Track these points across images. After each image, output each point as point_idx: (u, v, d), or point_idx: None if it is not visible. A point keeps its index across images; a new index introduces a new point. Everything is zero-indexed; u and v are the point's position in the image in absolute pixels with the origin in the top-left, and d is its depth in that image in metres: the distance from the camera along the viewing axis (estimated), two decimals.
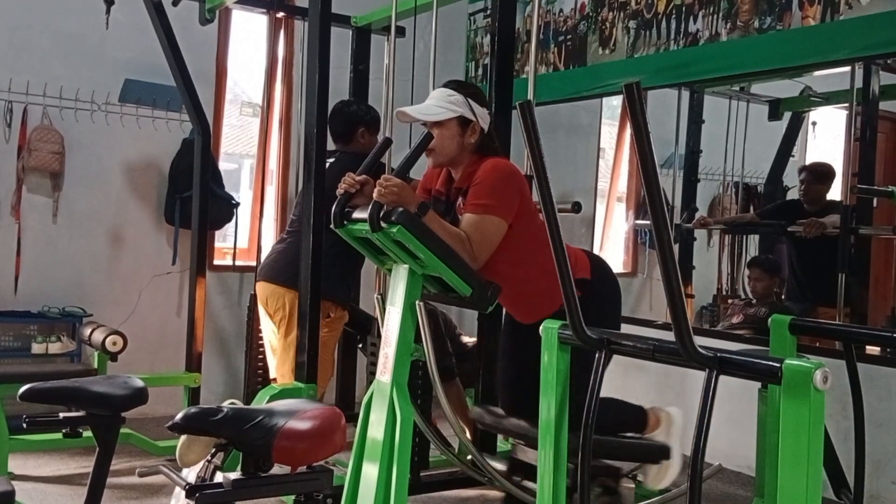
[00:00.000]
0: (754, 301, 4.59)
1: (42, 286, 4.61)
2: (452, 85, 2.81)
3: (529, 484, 2.80)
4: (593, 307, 2.63)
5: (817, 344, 3.64)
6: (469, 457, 3.28)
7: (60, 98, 4.61)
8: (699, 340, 1.73)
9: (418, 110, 2.76)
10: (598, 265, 2.93)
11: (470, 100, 2.76)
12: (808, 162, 4.79)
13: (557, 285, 2.02)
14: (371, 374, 3.38)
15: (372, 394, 2.58)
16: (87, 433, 2.25)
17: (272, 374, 3.83)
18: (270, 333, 3.74)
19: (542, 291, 2.70)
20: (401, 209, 2.41)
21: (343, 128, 3.78)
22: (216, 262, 5.14)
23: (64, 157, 4.60)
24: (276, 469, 2.00)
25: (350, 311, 3.95)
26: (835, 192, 4.22)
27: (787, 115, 4.84)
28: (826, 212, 4.17)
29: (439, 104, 2.74)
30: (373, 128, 3.82)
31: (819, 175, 4.40)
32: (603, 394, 1.99)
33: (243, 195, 5.37)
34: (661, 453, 2.89)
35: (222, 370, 5.09)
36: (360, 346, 4.07)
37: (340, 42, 4.22)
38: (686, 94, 4.89)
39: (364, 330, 3.90)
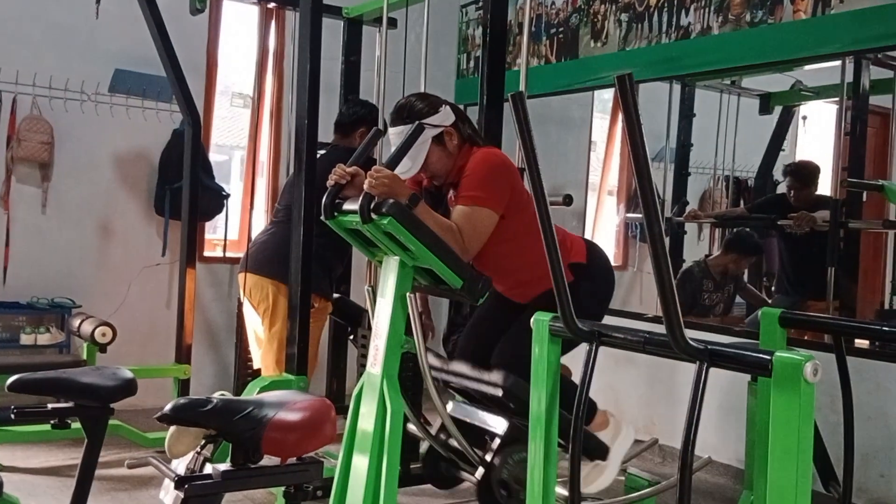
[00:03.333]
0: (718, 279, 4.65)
1: (31, 277, 4.59)
2: (399, 120, 2.76)
3: (452, 443, 2.81)
4: (585, 290, 2.64)
5: (806, 337, 3.65)
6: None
7: (50, 88, 4.58)
8: (689, 333, 1.73)
9: (402, 171, 2.67)
10: (595, 252, 2.97)
11: (423, 120, 2.71)
12: (796, 157, 4.79)
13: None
14: (361, 367, 3.38)
15: (362, 386, 2.57)
16: (76, 424, 2.24)
17: (256, 365, 3.83)
18: (255, 324, 3.74)
19: (537, 277, 2.71)
20: (391, 201, 2.41)
21: (348, 121, 3.83)
22: (206, 253, 5.12)
23: (53, 148, 4.58)
24: (266, 460, 1.99)
25: (340, 303, 3.94)
26: (824, 187, 4.24)
27: (778, 110, 4.85)
28: (816, 207, 4.19)
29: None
30: (371, 128, 3.84)
31: (804, 178, 4.42)
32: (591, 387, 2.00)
33: (234, 187, 5.35)
34: (598, 450, 2.85)
35: (212, 362, 5.08)
36: (351, 337, 4.06)
37: (332, 33, 4.20)
38: (677, 88, 4.89)
39: (355, 322, 3.90)
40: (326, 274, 3.70)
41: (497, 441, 2.71)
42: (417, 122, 2.67)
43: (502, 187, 2.71)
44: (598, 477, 2.82)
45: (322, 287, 3.63)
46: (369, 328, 2.74)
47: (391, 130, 2.79)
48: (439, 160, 2.77)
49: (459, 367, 2.88)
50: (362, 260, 3.67)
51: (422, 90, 3.49)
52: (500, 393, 2.68)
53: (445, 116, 2.77)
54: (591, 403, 2.91)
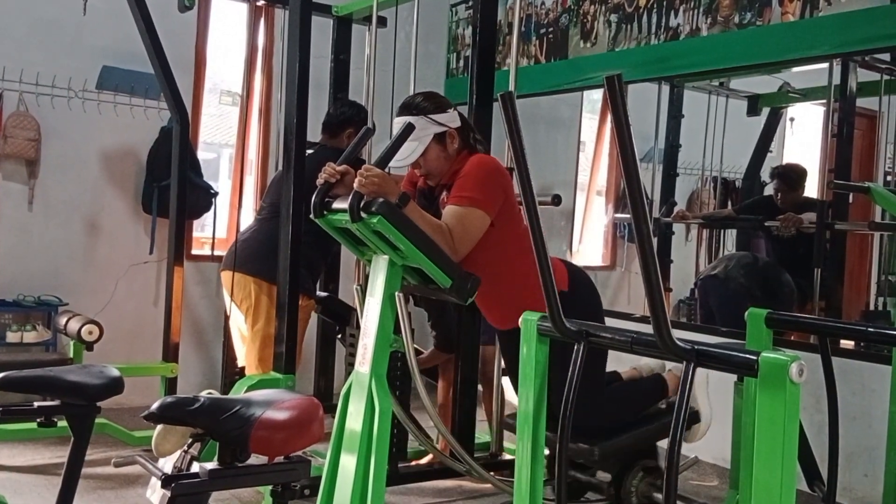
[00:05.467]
0: None
1: (17, 274, 4.56)
2: (405, 111, 2.77)
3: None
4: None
5: (792, 338, 3.67)
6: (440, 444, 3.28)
7: (37, 84, 4.56)
8: (676, 333, 1.74)
9: (397, 160, 2.69)
10: (577, 277, 2.87)
11: (429, 116, 2.73)
12: (783, 159, 4.82)
13: (534, 291, 2.03)
14: (350, 365, 3.38)
15: (351, 385, 2.57)
16: (62, 423, 2.23)
17: (240, 363, 3.83)
18: (240, 322, 3.73)
19: (518, 296, 2.68)
20: (381, 199, 2.41)
21: (336, 122, 3.84)
22: (194, 251, 5.10)
23: (40, 145, 4.55)
24: (253, 459, 1.99)
25: (328, 302, 3.94)
26: (811, 189, 4.26)
27: (766, 111, 4.88)
28: (803, 209, 4.21)
29: (409, 140, 2.69)
30: (360, 128, 3.85)
31: (792, 181, 4.44)
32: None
33: (222, 185, 5.33)
34: (690, 419, 2.92)
35: (199, 360, 5.06)
36: (339, 336, 4.07)
37: (321, 31, 4.19)
38: (666, 89, 4.91)
39: (343, 321, 3.90)
40: (310, 272, 3.70)
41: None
42: (408, 123, 2.67)
43: (496, 191, 2.71)
44: (697, 433, 2.96)
45: (305, 285, 3.63)
46: (358, 327, 2.74)
47: (395, 121, 2.80)
48: (437, 159, 2.77)
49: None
50: (351, 258, 3.66)
51: (411, 89, 3.49)
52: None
53: (451, 118, 2.79)
54: (654, 379, 3.02)
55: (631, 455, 2.86)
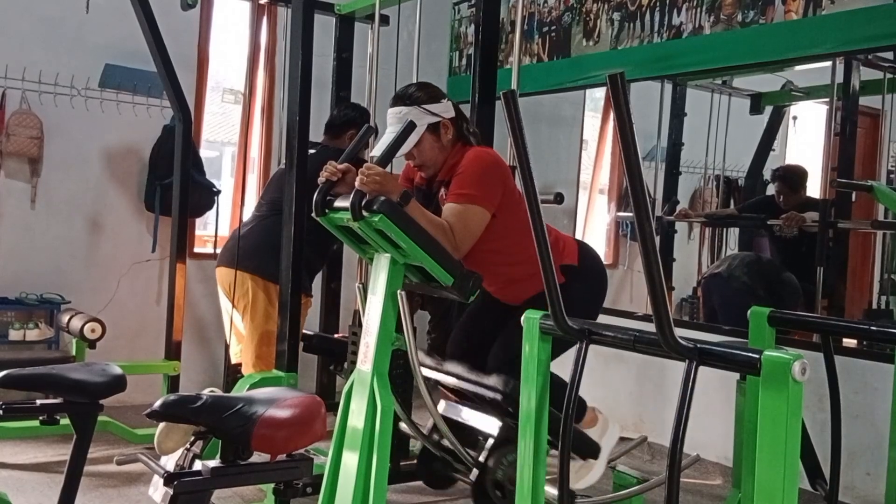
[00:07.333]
0: None
1: (20, 272, 4.57)
2: (399, 102, 2.78)
3: (446, 443, 2.81)
4: (576, 293, 2.65)
5: (795, 336, 3.67)
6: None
7: (39, 83, 4.56)
8: (679, 332, 1.74)
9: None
10: (587, 253, 2.95)
11: (423, 106, 2.74)
12: (786, 157, 4.81)
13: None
14: (352, 364, 3.38)
15: (352, 383, 2.57)
16: (65, 420, 2.24)
17: (234, 360, 3.83)
18: (236, 319, 3.73)
19: (527, 277, 2.72)
20: (383, 198, 2.40)
21: (339, 123, 3.86)
22: (196, 249, 5.11)
23: (43, 143, 4.55)
24: (256, 457, 1.99)
25: (317, 340, 3.95)
26: (814, 188, 4.26)
27: (769, 110, 4.87)
28: (805, 209, 4.21)
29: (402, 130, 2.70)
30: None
31: (793, 183, 4.43)
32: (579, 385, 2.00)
33: (224, 183, 5.33)
34: (589, 449, 2.88)
35: (202, 358, 5.07)
36: (332, 367, 4.07)
37: (324, 30, 4.19)
38: (669, 87, 4.91)
39: (334, 356, 3.90)
40: (308, 271, 3.70)
41: (490, 442, 2.72)
42: (410, 121, 2.67)
43: (495, 186, 2.71)
44: (586, 474, 2.85)
45: (303, 283, 3.63)
46: (360, 325, 2.74)
47: (389, 112, 2.80)
48: (430, 149, 2.78)
49: (455, 368, 2.88)
50: (353, 257, 3.67)
51: None
52: (500, 398, 2.68)
53: (445, 109, 2.79)
54: (580, 401, 2.93)
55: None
